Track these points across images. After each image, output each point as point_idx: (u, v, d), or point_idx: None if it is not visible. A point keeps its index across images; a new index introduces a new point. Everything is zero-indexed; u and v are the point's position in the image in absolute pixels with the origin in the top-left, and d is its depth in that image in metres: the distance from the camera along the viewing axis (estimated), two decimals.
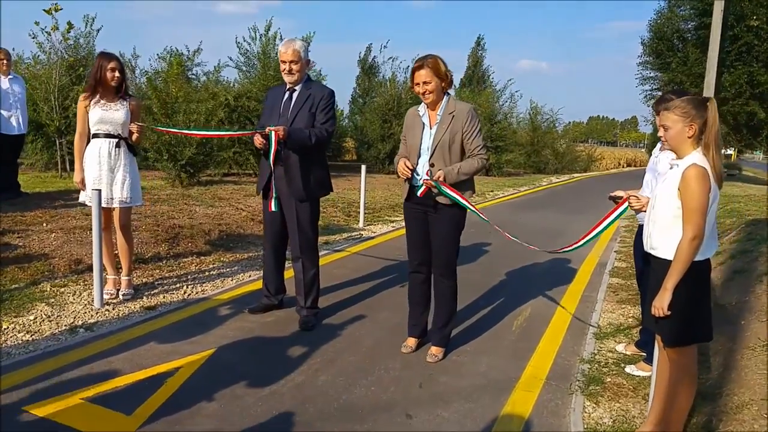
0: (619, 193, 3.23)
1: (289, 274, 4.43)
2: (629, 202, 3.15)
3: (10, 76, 7.31)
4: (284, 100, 4.07)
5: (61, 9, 10.82)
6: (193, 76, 15.12)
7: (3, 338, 3.75)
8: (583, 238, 3.48)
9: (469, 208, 3.49)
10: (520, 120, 26.48)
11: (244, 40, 15.55)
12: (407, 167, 3.48)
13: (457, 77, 30.66)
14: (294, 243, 4.16)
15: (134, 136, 4.45)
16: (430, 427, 2.88)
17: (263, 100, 4.38)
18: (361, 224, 8.42)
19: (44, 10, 10.72)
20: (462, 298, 4.81)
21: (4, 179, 7.43)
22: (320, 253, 6.35)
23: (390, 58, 22.55)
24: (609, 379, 3.50)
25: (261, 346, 3.80)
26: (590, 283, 5.79)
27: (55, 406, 2.90)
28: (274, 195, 4.10)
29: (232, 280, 5.27)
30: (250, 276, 5.39)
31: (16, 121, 7.30)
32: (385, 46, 21.47)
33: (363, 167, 8.67)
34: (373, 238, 7.65)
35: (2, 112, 7.15)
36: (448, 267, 3.66)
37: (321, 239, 7.19)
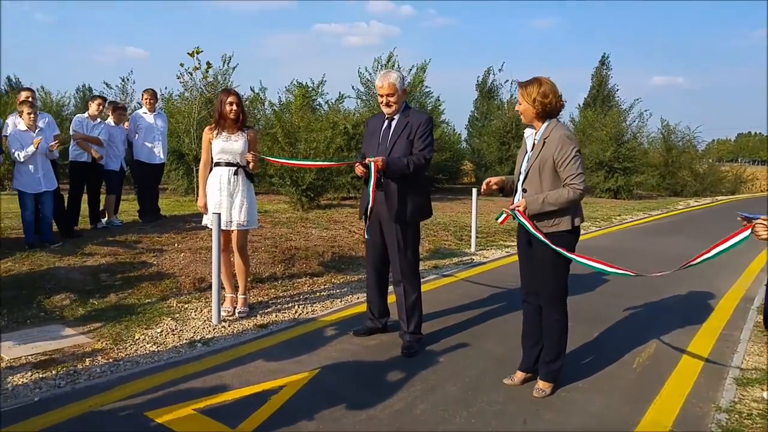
0: (755, 216, 2.79)
1: (392, 298, 4.41)
2: (754, 229, 2.71)
3: (155, 112, 8.17)
4: (383, 128, 4.15)
5: (201, 51, 12.00)
6: (318, 106, 16.00)
7: (134, 348, 4.10)
8: (688, 263, 3.09)
9: (546, 243, 3.23)
10: (651, 140, 24.73)
11: (366, 70, 16.26)
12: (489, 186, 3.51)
13: (581, 97, 29.41)
14: (395, 267, 4.16)
15: (251, 165, 4.73)
16: None
17: (364, 128, 4.49)
18: (472, 249, 8.24)
19: (188, 53, 11.97)
20: (578, 330, 4.55)
21: (147, 203, 8.27)
22: (428, 278, 6.36)
23: (507, 80, 22.12)
24: None
25: (362, 370, 3.80)
26: (732, 320, 5.12)
27: (170, 414, 3.09)
28: (366, 223, 4.17)
29: (340, 302, 5.36)
30: (358, 298, 5.45)
31: (158, 152, 8.12)
32: (500, 70, 21.29)
33: (474, 190, 8.51)
34: (484, 263, 7.44)
35: (147, 144, 7.99)
36: (552, 299, 3.42)
37: (430, 263, 7.16)
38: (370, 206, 4.04)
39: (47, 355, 3.91)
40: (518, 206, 3.27)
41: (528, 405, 3.31)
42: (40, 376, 3.59)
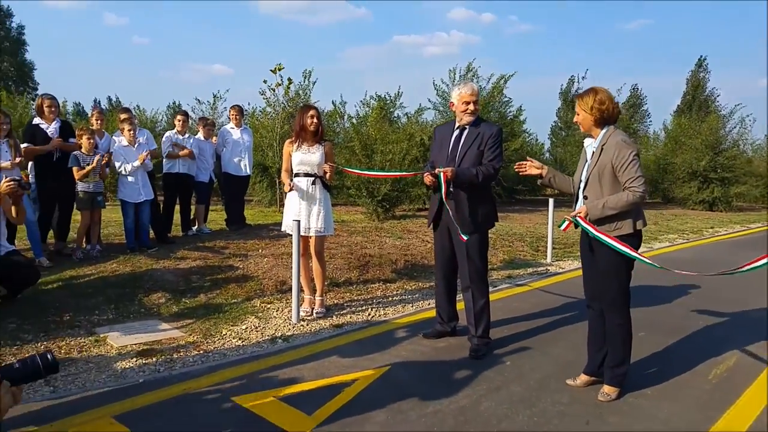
0: None
1: (461, 305, 4.53)
2: None
3: (241, 128, 8.77)
4: (453, 138, 4.30)
5: (283, 68, 12.65)
6: (395, 119, 16.35)
7: (222, 342, 4.49)
8: (737, 269, 3.03)
9: (609, 243, 3.27)
10: (756, 147, 22.99)
11: (442, 82, 16.41)
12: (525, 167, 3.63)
13: (674, 103, 27.91)
14: (464, 273, 4.30)
15: (327, 175, 5.04)
16: None
17: (431, 138, 4.66)
18: (548, 259, 8.19)
19: (271, 70, 12.64)
20: (653, 340, 4.55)
21: (234, 213, 8.86)
22: (501, 287, 6.42)
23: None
24: None
25: (430, 368, 3.97)
26: None
27: (254, 399, 3.40)
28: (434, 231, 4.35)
29: (412, 306, 5.55)
30: (429, 304, 5.61)
31: (243, 165, 8.69)
32: (584, 77, 20.71)
33: (551, 200, 8.47)
34: (560, 273, 7.39)
35: (234, 157, 8.58)
36: (613, 304, 3.45)
37: (504, 273, 7.21)
38: (434, 214, 4.22)
39: (148, 345, 4.36)
40: (579, 213, 3.37)
41: (592, 408, 3.35)
42: (143, 362, 4.03)
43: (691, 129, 19.84)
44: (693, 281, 6.68)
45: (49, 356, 1.94)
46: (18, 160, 5.77)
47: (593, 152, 3.45)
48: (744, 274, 3.24)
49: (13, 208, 4.58)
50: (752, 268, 2.97)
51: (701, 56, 33.18)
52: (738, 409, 3.37)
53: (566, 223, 3.43)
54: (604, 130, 3.44)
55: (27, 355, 2.39)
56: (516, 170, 3.76)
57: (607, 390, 3.47)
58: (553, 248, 8.38)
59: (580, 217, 3.36)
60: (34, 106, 9.71)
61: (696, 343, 4.59)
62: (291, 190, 5.01)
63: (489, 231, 4.39)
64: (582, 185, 3.49)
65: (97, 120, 7.37)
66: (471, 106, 4.20)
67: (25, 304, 4.97)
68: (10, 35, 37.86)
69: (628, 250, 3.25)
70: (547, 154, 22.65)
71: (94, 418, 3.13)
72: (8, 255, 4.95)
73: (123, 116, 7.44)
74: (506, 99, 16.74)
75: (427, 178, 4.18)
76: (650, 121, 23.21)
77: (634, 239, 3.39)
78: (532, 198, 19.62)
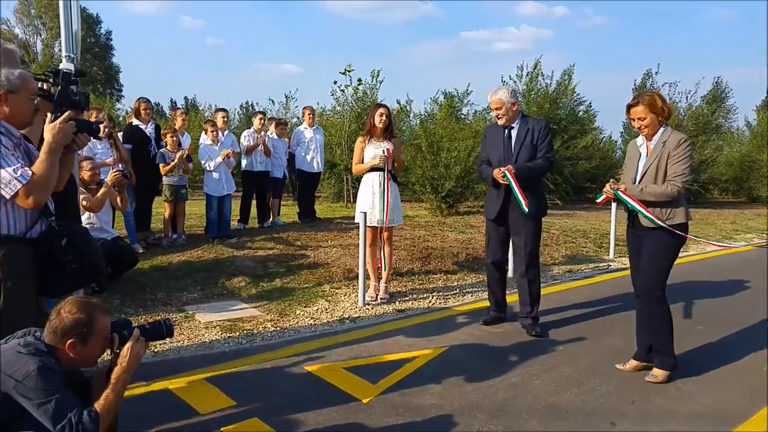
0: None
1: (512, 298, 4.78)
2: None
3: (314, 127, 9.30)
4: (504, 137, 4.65)
5: (353, 69, 13.16)
6: (462, 116, 16.47)
7: (295, 321, 4.95)
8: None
9: (646, 215, 3.53)
10: None
11: (510, 78, 16.32)
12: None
13: (759, 97, 26.29)
14: (519, 259, 4.64)
15: (396, 165, 5.38)
16: None
17: (482, 137, 5.01)
18: (611, 255, 8.21)
19: (340, 72, 13.18)
20: (710, 331, 4.70)
21: (305, 207, 9.42)
22: (560, 280, 6.57)
23: (665, 84, 20.56)
24: None
25: (485, 350, 4.26)
26: None
27: (322, 368, 3.83)
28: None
29: (471, 296, 5.83)
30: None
31: (315, 163, 9.23)
32: (657, 72, 19.98)
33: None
34: (622, 269, 7.40)
35: (306, 155, 9.13)
36: (653, 291, 3.67)
37: (564, 268, 7.33)
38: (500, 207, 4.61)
39: (231, 321, 4.89)
40: (620, 187, 3.62)
41: (639, 390, 3.54)
42: (228, 335, 4.54)
43: None
44: (746, 276, 6.60)
45: (169, 323, 2.50)
46: (117, 156, 6.51)
47: (652, 148, 3.66)
48: None
49: (118, 197, 5.25)
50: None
51: None
52: None
53: (603, 196, 3.72)
54: (662, 129, 3.67)
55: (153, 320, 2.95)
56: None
57: (656, 372, 3.67)
58: (616, 244, 8.37)
59: (620, 190, 3.60)
60: (130, 108, 10.67)
61: (751, 337, 4.61)
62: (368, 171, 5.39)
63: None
64: (639, 177, 3.69)
65: (182, 119, 8.11)
66: (495, 112, 4.60)
67: (126, 283, 5.64)
68: (99, 41, 40.65)
69: (654, 217, 3.51)
70: (619, 152, 22.02)
71: (191, 379, 3.64)
72: (114, 240, 5.64)
73: (219, 114, 8.11)
74: (576, 95, 16.45)
75: (498, 174, 4.47)
76: (736, 116, 21.93)
77: (684, 229, 3.61)
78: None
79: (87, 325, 2.22)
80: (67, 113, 2.55)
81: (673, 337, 3.70)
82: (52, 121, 2.52)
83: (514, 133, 4.61)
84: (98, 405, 2.17)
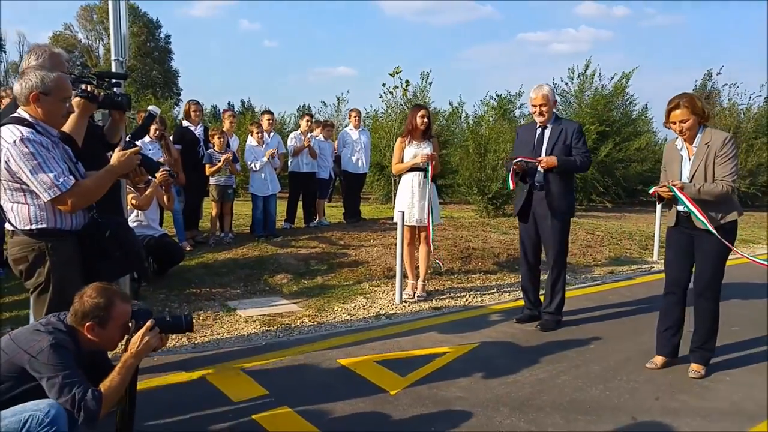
0: None
1: None
2: None
3: (360, 129, 9.49)
4: (537, 136, 4.67)
5: (401, 71, 13.22)
6: (514, 118, 16.30)
7: (333, 316, 5.11)
8: None
9: (700, 219, 3.48)
10: None
11: (561, 81, 16.02)
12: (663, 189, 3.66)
13: None
14: (549, 256, 4.70)
15: (432, 163, 5.46)
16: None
17: (515, 137, 5.05)
18: (655, 257, 7.99)
19: (389, 73, 13.27)
20: (745, 334, 4.55)
21: (350, 207, 9.61)
22: (601, 281, 6.48)
23: (726, 84, 19.66)
24: None
25: (516, 347, 4.28)
26: None
27: (355, 361, 3.95)
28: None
29: (509, 296, 5.83)
30: None
31: (360, 163, 9.41)
32: (719, 73, 19.18)
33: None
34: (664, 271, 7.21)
35: (352, 156, 9.33)
36: (710, 289, 3.66)
37: (606, 269, 7.21)
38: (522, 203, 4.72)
39: (270, 316, 5.09)
40: (676, 184, 3.56)
41: (666, 387, 3.52)
42: (266, 329, 4.74)
43: None
44: None
45: (189, 318, 2.62)
46: (168, 157, 6.87)
47: (695, 150, 3.63)
48: None
49: (164, 196, 5.58)
50: None
51: None
52: None
53: (654, 188, 3.69)
54: (703, 129, 3.64)
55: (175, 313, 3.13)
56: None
57: (696, 368, 3.69)
58: (660, 246, 8.13)
59: (677, 187, 3.54)
60: (181, 111, 11.14)
61: None
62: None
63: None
64: (687, 181, 3.66)
65: (230, 122, 8.44)
66: (538, 108, 4.58)
67: (171, 279, 5.95)
68: (159, 45, 41.91)
69: (703, 218, 3.47)
70: None
71: (227, 369, 3.84)
72: (160, 237, 5.97)
73: (265, 116, 8.43)
74: (630, 96, 15.99)
75: (518, 167, 4.54)
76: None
77: (736, 228, 3.65)
78: (645, 199, 18.56)
79: (105, 309, 2.36)
80: (137, 147, 2.86)
81: (717, 335, 3.72)
82: (123, 149, 2.82)
83: (547, 132, 4.63)
84: (103, 386, 2.30)
